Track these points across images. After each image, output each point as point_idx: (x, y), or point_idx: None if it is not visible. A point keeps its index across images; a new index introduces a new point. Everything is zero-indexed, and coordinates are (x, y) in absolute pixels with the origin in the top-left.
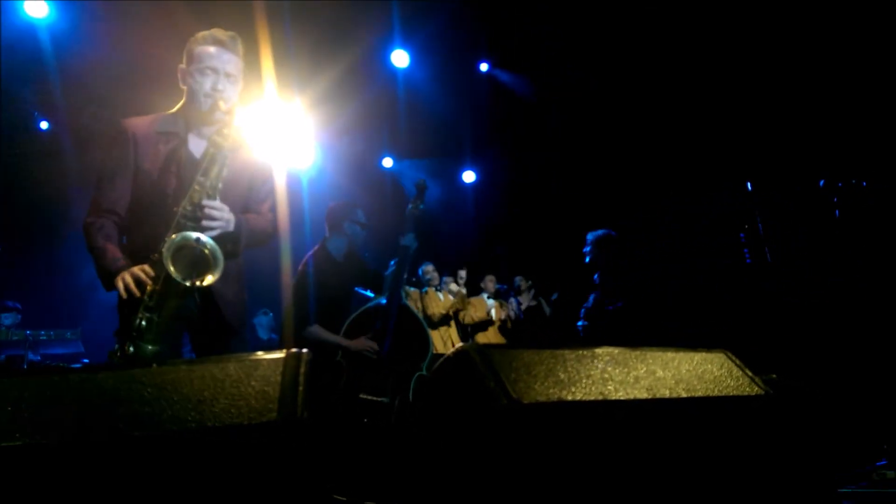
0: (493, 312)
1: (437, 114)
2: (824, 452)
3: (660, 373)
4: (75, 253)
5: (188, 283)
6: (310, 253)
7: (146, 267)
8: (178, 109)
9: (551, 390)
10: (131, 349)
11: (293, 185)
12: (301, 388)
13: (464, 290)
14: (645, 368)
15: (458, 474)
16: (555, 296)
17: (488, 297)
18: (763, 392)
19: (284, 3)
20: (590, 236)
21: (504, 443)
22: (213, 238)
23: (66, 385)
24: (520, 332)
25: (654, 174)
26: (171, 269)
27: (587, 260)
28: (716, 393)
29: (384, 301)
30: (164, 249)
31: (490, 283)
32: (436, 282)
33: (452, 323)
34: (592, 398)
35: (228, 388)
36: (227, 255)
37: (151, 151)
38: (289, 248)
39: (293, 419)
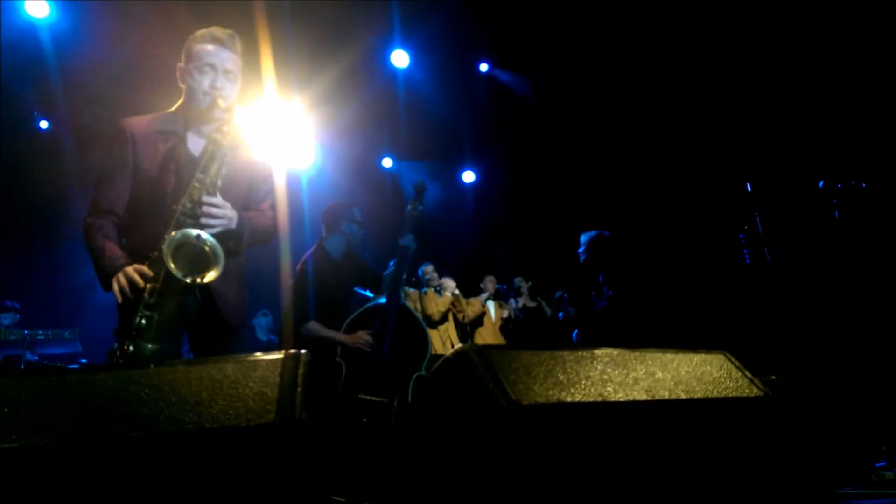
0: (491, 309)
1: (437, 114)
2: (823, 454)
3: (659, 374)
4: (74, 253)
5: (189, 280)
6: (308, 253)
7: (142, 267)
8: (177, 108)
9: (550, 391)
10: (131, 348)
11: (293, 185)
12: (299, 390)
13: (456, 291)
14: (644, 370)
15: (458, 475)
16: (558, 294)
17: (488, 298)
18: (762, 393)
19: (284, 3)
20: (583, 237)
21: (503, 444)
22: (216, 236)
23: (64, 386)
24: (519, 332)
25: (654, 174)
26: (172, 266)
27: (581, 261)
28: (715, 394)
29: (383, 301)
30: (163, 247)
31: (490, 283)
32: (435, 282)
33: (451, 323)
34: (591, 399)
35: (226, 389)
36: (228, 254)
37: (150, 150)
38: (288, 249)
39: (291, 420)
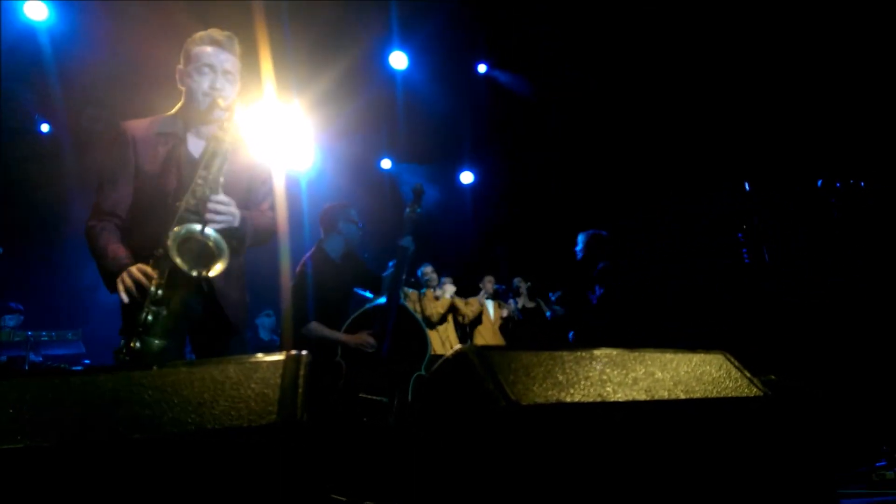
0: (490, 310)
1: (436, 115)
2: (823, 454)
3: (658, 374)
4: (76, 254)
5: (195, 274)
6: (307, 255)
7: (145, 266)
8: (177, 111)
9: (550, 392)
10: (138, 345)
11: (292, 187)
12: (301, 391)
13: (454, 290)
14: (643, 370)
15: (457, 475)
16: (555, 295)
17: (487, 298)
18: (762, 393)
19: (283, 4)
20: (580, 236)
21: (502, 444)
22: (219, 233)
23: (66, 387)
24: (519, 332)
25: (653, 174)
26: (178, 260)
27: (578, 259)
28: (714, 394)
29: (383, 301)
30: (168, 241)
31: (489, 283)
32: (434, 283)
33: (450, 323)
34: (591, 400)
35: (228, 390)
36: (232, 252)
37: (151, 153)
38: (288, 250)
39: (293, 421)
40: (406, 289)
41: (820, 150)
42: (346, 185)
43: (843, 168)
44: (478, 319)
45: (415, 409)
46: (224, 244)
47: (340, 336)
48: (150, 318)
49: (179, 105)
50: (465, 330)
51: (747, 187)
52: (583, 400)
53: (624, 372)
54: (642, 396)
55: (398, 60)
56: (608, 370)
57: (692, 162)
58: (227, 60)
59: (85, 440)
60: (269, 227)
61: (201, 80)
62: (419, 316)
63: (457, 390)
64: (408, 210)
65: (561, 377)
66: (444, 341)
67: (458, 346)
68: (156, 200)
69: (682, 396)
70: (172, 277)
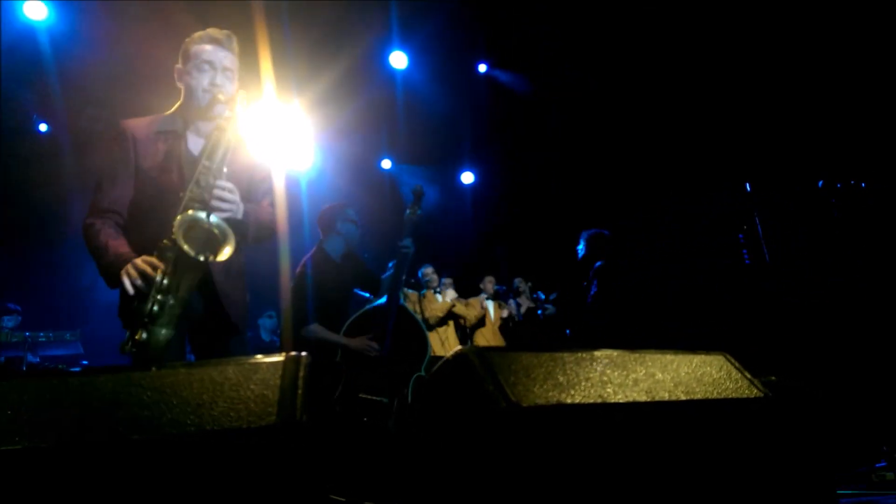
0: (491, 310)
1: (436, 115)
2: (823, 454)
3: (659, 375)
4: (75, 254)
5: (202, 259)
6: (307, 256)
7: (150, 258)
8: (176, 109)
9: (550, 393)
10: (144, 336)
11: (292, 187)
12: (300, 392)
13: (454, 295)
14: (644, 371)
15: (457, 476)
16: (553, 295)
17: (487, 299)
18: (762, 394)
19: (283, 3)
20: (583, 234)
21: (503, 445)
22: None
23: (65, 388)
24: (519, 333)
25: (653, 174)
26: (185, 246)
27: (579, 257)
28: (715, 395)
29: (383, 301)
30: (174, 228)
31: (489, 284)
32: (434, 284)
33: (450, 325)
34: (591, 401)
35: (227, 391)
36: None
37: (151, 151)
38: (288, 250)
39: (292, 422)
40: (406, 289)
41: (820, 150)
42: (346, 185)
43: (843, 168)
44: (478, 321)
45: (415, 410)
46: (229, 230)
47: (342, 339)
48: (156, 308)
49: (178, 104)
50: (465, 331)
51: (748, 188)
52: (583, 401)
53: (624, 373)
54: (643, 397)
55: (398, 60)
56: (609, 371)
57: (692, 162)
58: (227, 58)
59: (83, 441)
60: (270, 222)
61: (201, 78)
62: (419, 317)
63: (457, 391)
64: (408, 212)
65: (561, 378)
66: (443, 342)
67: (458, 348)
68: (156, 198)
69: (683, 397)
70: (179, 266)
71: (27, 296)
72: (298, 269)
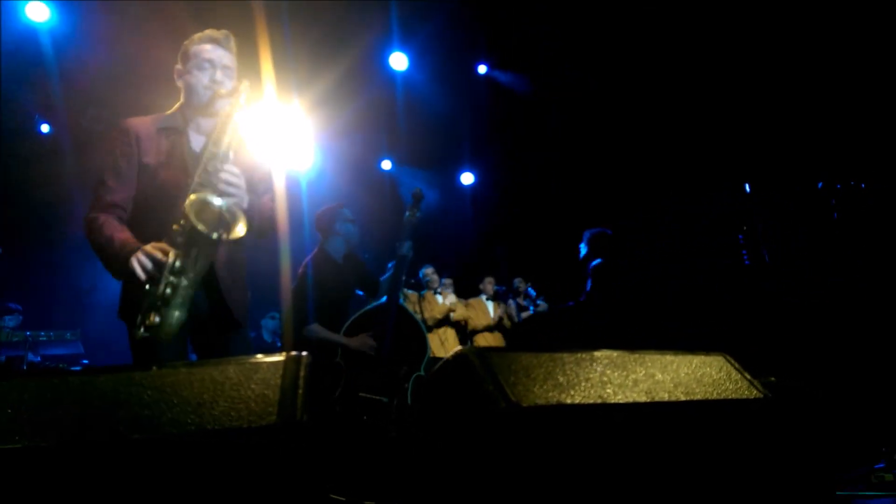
0: (491, 311)
1: (436, 115)
2: (823, 455)
3: (658, 376)
4: (76, 255)
5: (215, 236)
6: (309, 256)
7: (159, 243)
8: (177, 108)
9: (550, 393)
10: (157, 319)
11: (292, 187)
12: (301, 392)
13: (454, 308)
14: (644, 371)
15: (457, 476)
16: (532, 308)
17: (487, 299)
18: (762, 395)
19: (283, 4)
20: (586, 233)
21: (503, 446)
22: None
23: (65, 387)
24: (519, 334)
25: (653, 174)
26: (200, 225)
27: (581, 256)
28: (714, 396)
29: (383, 301)
30: (186, 207)
31: (489, 284)
32: (435, 284)
33: (449, 326)
34: (591, 401)
35: (228, 390)
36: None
37: (154, 147)
38: (288, 250)
39: (293, 422)
40: (406, 290)
41: (820, 150)
42: (346, 185)
43: (843, 169)
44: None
45: (415, 410)
46: (238, 210)
47: (342, 339)
48: (168, 290)
49: (179, 103)
50: (465, 332)
51: (747, 189)
52: (583, 401)
53: (624, 373)
54: (642, 398)
55: (398, 61)
56: (608, 372)
57: (692, 162)
58: (226, 56)
59: (84, 440)
60: (271, 215)
61: (202, 76)
62: (419, 317)
63: (457, 391)
64: (407, 214)
65: (561, 379)
66: (443, 342)
67: (457, 348)
68: (159, 194)
69: (683, 398)
70: (191, 246)
71: (28, 296)
72: (300, 270)
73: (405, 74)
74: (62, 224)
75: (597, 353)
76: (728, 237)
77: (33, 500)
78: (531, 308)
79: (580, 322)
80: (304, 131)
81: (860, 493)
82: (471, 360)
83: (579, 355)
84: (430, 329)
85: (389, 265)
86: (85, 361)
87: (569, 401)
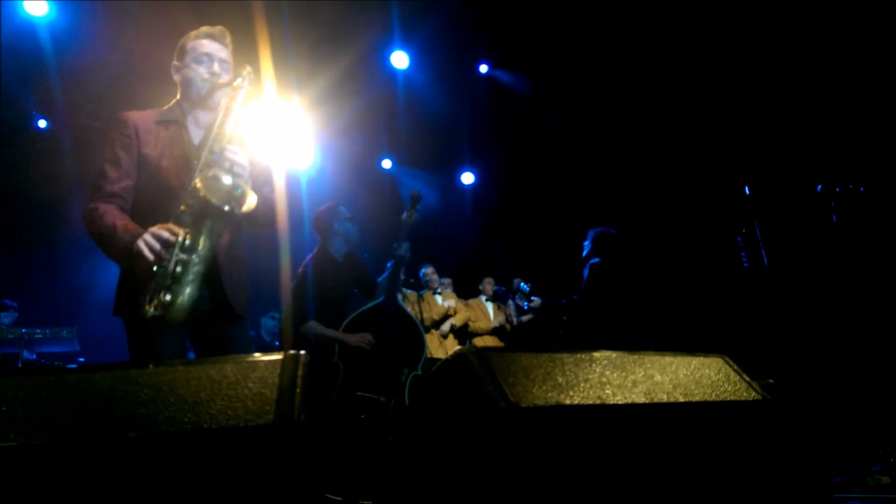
0: (490, 311)
1: (437, 115)
2: (820, 457)
3: (657, 377)
4: (72, 252)
5: (227, 209)
6: (309, 256)
7: (166, 224)
8: (175, 103)
9: (549, 394)
10: (168, 297)
11: (292, 186)
12: (298, 391)
13: (453, 304)
14: (643, 373)
15: (456, 477)
16: (525, 304)
17: (486, 300)
18: (760, 397)
19: (283, 3)
20: (590, 231)
21: (502, 446)
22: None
23: (62, 385)
24: (519, 334)
25: (653, 174)
26: (212, 199)
27: (584, 254)
28: (713, 398)
29: (381, 300)
30: (198, 183)
31: (488, 285)
32: (434, 284)
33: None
34: (590, 402)
35: (225, 389)
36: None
37: (153, 138)
38: (288, 249)
39: (290, 421)
40: (405, 290)
41: (820, 150)
42: (346, 184)
43: (842, 169)
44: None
45: (414, 410)
46: (247, 186)
47: (340, 335)
48: (178, 268)
49: (175, 99)
50: (465, 332)
51: (747, 191)
52: (582, 402)
53: (623, 374)
54: (641, 399)
55: (399, 60)
56: (607, 373)
57: (692, 162)
58: (222, 51)
59: (80, 438)
60: (271, 206)
61: (200, 69)
62: (418, 317)
63: (456, 392)
64: (405, 216)
65: (560, 379)
66: (441, 342)
67: (457, 348)
68: (159, 185)
69: (681, 399)
70: (201, 221)
71: (25, 293)
72: (300, 270)
73: (406, 73)
74: (59, 221)
75: (596, 354)
76: (728, 237)
77: (29, 498)
78: (525, 304)
79: (579, 321)
80: (305, 130)
81: (857, 495)
82: (470, 361)
83: (578, 356)
84: (427, 329)
85: (389, 264)
86: (81, 359)
87: (568, 401)
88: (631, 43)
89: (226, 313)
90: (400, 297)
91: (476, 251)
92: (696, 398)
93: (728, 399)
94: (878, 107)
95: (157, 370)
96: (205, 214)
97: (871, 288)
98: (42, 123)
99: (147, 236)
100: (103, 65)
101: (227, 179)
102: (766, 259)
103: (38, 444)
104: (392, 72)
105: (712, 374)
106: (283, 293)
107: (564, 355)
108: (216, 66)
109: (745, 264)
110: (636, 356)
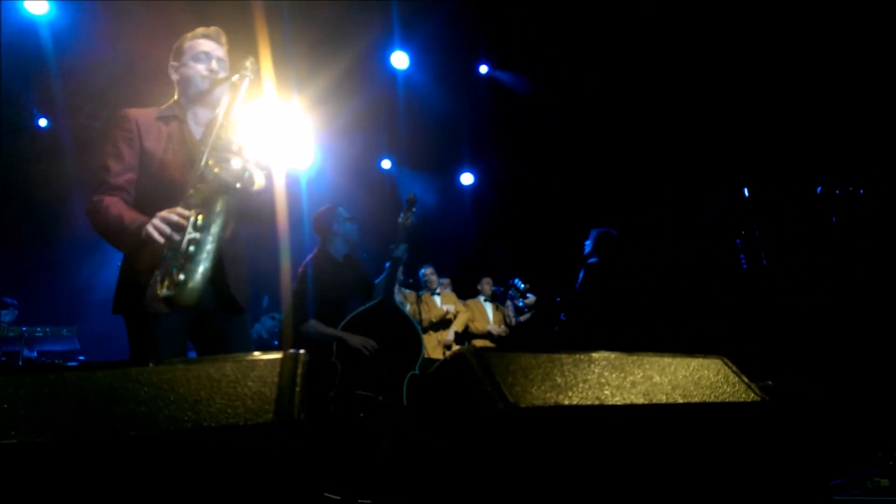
0: (489, 311)
1: (436, 115)
2: (819, 460)
3: (656, 378)
4: (72, 252)
5: (238, 185)
6: (309, 256)
7: (174, 208)
8: (174, 101)
9: (548, 394)
10: (181, 277)
11: (292, 186)
12: (298, 390)
13: (452, 309)
14: (641, 373)
15: (454, 476)
16: (521, 301)
17: (485, 300)
18: (759, 399)
19: (283, 3)
20: (593, 231)
21: (500, 446)
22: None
23: (62, 383)
24: (518, 334)
25: (653, 174)
26: (224, 175)
27: (585, 252)
28: (712, 399)
29: (379, 300)
30: (209, 161)
31: (487, 285)
32: (434, 285)
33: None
34: (589, 403)
35: (225, 388)
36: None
37: (154, 132)
38: (288, 249)
39: (289, 420)
40: (404, 290)
41: (820, 150)
42: (346, 184)
43: (842, 169)
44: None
45: (412, 410)
46: (255, 169)
47: (342, 334)
48: (191, 248)
49: (174, 99)
50: (464, 333)
51: (746, 193)
52: (581, 403)
53: (622, 375)
54: (640, 400)
55: (399, 60)
56: (606, 373)
57: (692, 162)
58: (219, 49)
59: (80, 437)
60: (272, 200)
61: (199, 66)
62: (417, 318)
63: (455, 392)
64: (401, 219)
65: (559, 380)
66: (440, 342)
67: (456, 348)
68: (162, 178)
69: (680, 400)
70: (212, 203)
71: (25, 291)
72: (300, 270)
73: (406, 74)
74: (59, 222)
75: (595, 355)
76: (728, 238)
77: (29, 496)
78: (520, 301)
79: (579, 321)
80: (304, 130)
81: (856, 497)
82: (469, 361)
83: (577, 357)
84: (425, 330)
85: (387, 264)
86: (81, 358)
87: (566, 402)
88: (631, 43)
89: (229, 306)
90: (398, 297)
91: (475, 251)
92: (695, 399)
93: (727, 400)
94: (878, 107)
95: (157, 369)
96: (217, 191)
97: (871, 288)
98: (43, 122)
99: (156, 220)
100: (104, 64)
101: (236, 162)
102: (764, 260)
103: (39, 441)
104: (392, 72)
105: (711, 375)
106: (283, 292)
107: (563, 356)
108: (214, 64)
109: (745, 265)
110: (635, 357)
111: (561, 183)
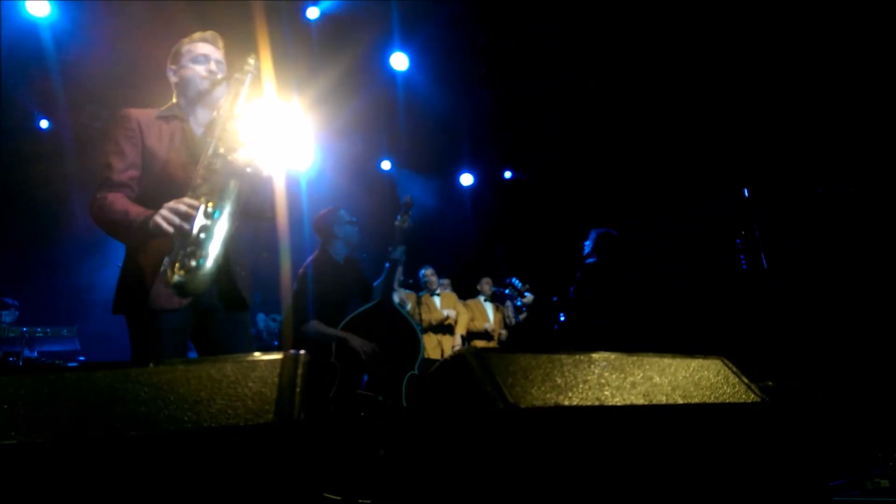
0: (489, 312)
1: (436, 116)
2: (819, 461)
3: (656, 379)
4: (72, 252)
5: (249, 170)
6: (309, 258)
7: (181, 199)
8: (173, 103)
9: (548, 395)
10: (194, 263)
11: (292, 186)
12: (298, 390)
13: (453, 314)
14: (642, 374)
15: (454, 477)
16: (518, 300)
17: (485, 300)
18: (759, 399)
19: (283, 3)
20: (593, 232)
21: (500, 447)
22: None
23: (62, 383)
24: (518, 334)
25: (653, 175)
26: (238, 158)
27: (584, 252)
28: (712, 400)
29: (378, 301)
30: (221, 149)
31: (486, 285)
32: (434, 286)
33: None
34: (589, 403)
35: (225, 388)
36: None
37: (156, 131)
38: (288, 249)
39: (290, 421)
40: (404, 290)
41: (820, 150)
42: (346, 185)
43: (842, 169)
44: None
45: (412, 410)
46: (260, 158)
47: (343, 334)
48: (202, 234)
49: (174, 100)
50: (463, 333)
51: (746, 193)
52: (581, 403)
53: (622, 376)
54: (640, 401)
55: (399, 61)
56: (606, 374)
57: (692, 162)
58: (217, 52)
59: (80, 437)
60: (271, 189)
61: (198, 67)
62: (416, 319)
63: (455, 392)
64: (398, 221)
65: (559, 380)
66: (439, 342)
67: (456, 348)
68: (165, 176)
69: (680, 401)
70: (221, 189)
71: (26, 292)
72: (300, 272)
73: (405, 75)
74: (59, 222)
75: (595, 356)
76: (728, 238)
77: (29, 496)
78: (518, 300)
79: (579, 321)
80: (304, 130)
81: (856, 498)
82: (469, 361)
83: (577, 357)
84: (425, 331)
85: (387, 265)
86: (81, 358)
87: (566, 402)
88: (631, 43)
89: (233, 302)
90: (396, 298)
91: (475, 252)
92: (695, 400)
93: (727, 401)
94: (878, 107)
95: (157, 369)
96: (228, 176)
97: (871, 288)
98: (44, 123)
99: (164, 211)
100: (104, 65)
101: (243, 153)
102: (764, 261)
103: (39, 442)
104: (392, 73)
105: (711, 375)
106: (283, 293)
107: (563, 356)
108: (213, 66)
109: (745, 265)
110: (635, 358)
111: (561, 183)
